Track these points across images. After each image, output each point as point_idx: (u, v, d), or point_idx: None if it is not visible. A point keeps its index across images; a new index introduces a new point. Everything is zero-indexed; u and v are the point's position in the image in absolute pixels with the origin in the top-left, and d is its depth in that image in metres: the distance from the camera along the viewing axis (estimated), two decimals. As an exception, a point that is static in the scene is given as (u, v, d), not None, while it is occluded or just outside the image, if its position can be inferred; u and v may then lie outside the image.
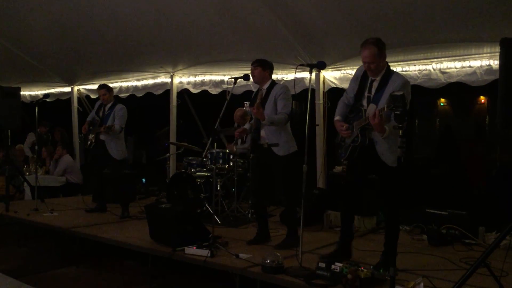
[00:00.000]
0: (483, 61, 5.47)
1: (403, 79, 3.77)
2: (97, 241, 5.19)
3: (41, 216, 6.17)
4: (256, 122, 4.74)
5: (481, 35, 5.19)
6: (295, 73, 4.27)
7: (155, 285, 4.48)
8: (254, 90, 6.89)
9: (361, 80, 3.95)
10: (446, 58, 5.70)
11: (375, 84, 3.83)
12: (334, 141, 4.22)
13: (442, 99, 11.89)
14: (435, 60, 5.78)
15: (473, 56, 5.52)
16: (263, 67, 4.75)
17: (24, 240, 6.22)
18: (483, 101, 11.20)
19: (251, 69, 4.80)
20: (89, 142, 6.52)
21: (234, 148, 6.41)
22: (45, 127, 9.96)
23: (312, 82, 6.52)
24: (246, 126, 5.02)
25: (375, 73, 3.82)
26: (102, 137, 6.34)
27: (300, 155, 4.53)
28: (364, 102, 3.89)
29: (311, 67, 4.04)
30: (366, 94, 3.88)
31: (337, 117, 4.07)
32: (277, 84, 4.81)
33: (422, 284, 3.27)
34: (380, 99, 3.70)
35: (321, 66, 4.15)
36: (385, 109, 3.41)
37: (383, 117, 3.50)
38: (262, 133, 4.69)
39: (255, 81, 4.82)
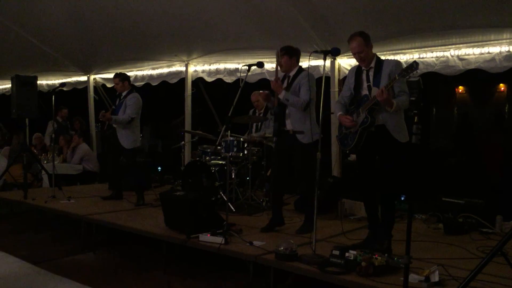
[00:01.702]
0: (502, 47, 5.36)
1: (395, 60, 4.09)
2: (113, 228, 5.25)
3: (59, 203, 6.25)
4: (280, 108, 4.71)
5: (500, 21, 5.06)
6: (309, 60, 4.22)
7: (170, 272, 4.52)
8: (269, 77, 6.87)
9: (356, 76, 4.14)
10: (465, 44, 5.60)
11: (371, 73, 4.02)
12: (336, 137, 4.26)
13: (461, 87, 11.71)
14: (453, 46, 5.68)
15: (492, 42, 5.41)
16: (290, 55, 4.73)
17: (42, 227, 6.34)
18: (502, 88, 11.00)
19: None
20: (108, 130, 6.53)
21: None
22: (63, 112, 10.02)
23: (327, 69, 6.50)
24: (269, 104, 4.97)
25: (367, 62, 4.03)
26: (114, 125, 6.40)
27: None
28: (365, 92, 4.04)
29: (325, 54, 4.00)
30: (365, 85, 4.05)
31: (339, 113, 4.19)
32: (303, 71, 4.76)
33: (437, 272, 3.24)
34: (380, 82, 3.90)
35: (335, 52, 4.10)
36: (391, 82, 3.71)
37: (389, 92, 3.75)
38: (288, 121, 4.70)
39: (283, 71, 4.79)
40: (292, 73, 4.76)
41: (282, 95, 4.58)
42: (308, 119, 4.61)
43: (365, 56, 4.00)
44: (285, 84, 4.76)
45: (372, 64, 4.02)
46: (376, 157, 4.05)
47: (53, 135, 7.22)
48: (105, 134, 6.54)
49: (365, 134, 3.96)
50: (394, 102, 3.79)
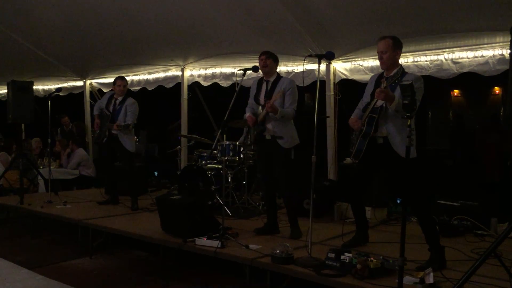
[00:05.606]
0: (495, 51, 5.39)
1: (416, 75, 3.94)
2: (110, 233, 5.25)
3: (55, 208, 6.24)
4: (263, 115, 4.71)
5: (493, 24, 5.10)
6: (304, 64, 4.24)
7: (166, 276, 4.52)
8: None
9: (376, 82, 4.08)
10: (458, 48, 5.63)
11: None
12: (350, 138, 4.28)
13: (456, 90, 11.79)
14: (447, 50, 5.71)
15: (485, 45, 5.45)
16: (274, 59, 4.79)
17: (38, 232, 6.33)
18: (497, 92, 11.08)
19: (262, 59, 4.76)
20: (104, 138, 6.47)
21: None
22: (63, 120, 10.08)
23: (322, 73, 6.55)
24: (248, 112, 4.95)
25: (388, 67, 3.94)
26: (114, 131, 6.33)
27: (303, 148, 4.55)
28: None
29: (319, 58, 4.02)
30: None
31: (352, 116, 4.19)
32: (284, 77, 4.82)
33: (431, 274, 3.26)
34: (394, 92, 3.76)
35: (329, 56, 4.13)
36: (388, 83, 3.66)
37: (388, 90, 3.68)
38: (269, 125, 4.69)
39: (265, 72, 4.79)
40: (271, 79, 4.78)
41: (278, 114, 4.54)
42: (287, 125, 4.68)
43: (386, 59, 3.91)
44: (264, 90, 4.78)
45: (392, 73, 3.90)
46: (376, 170, 4.09)
47: (49, 140, 7.18)
48: (102, 142, 6.43)
49: (365, 144, 3.93)
50: (395, 96, 3.67)
